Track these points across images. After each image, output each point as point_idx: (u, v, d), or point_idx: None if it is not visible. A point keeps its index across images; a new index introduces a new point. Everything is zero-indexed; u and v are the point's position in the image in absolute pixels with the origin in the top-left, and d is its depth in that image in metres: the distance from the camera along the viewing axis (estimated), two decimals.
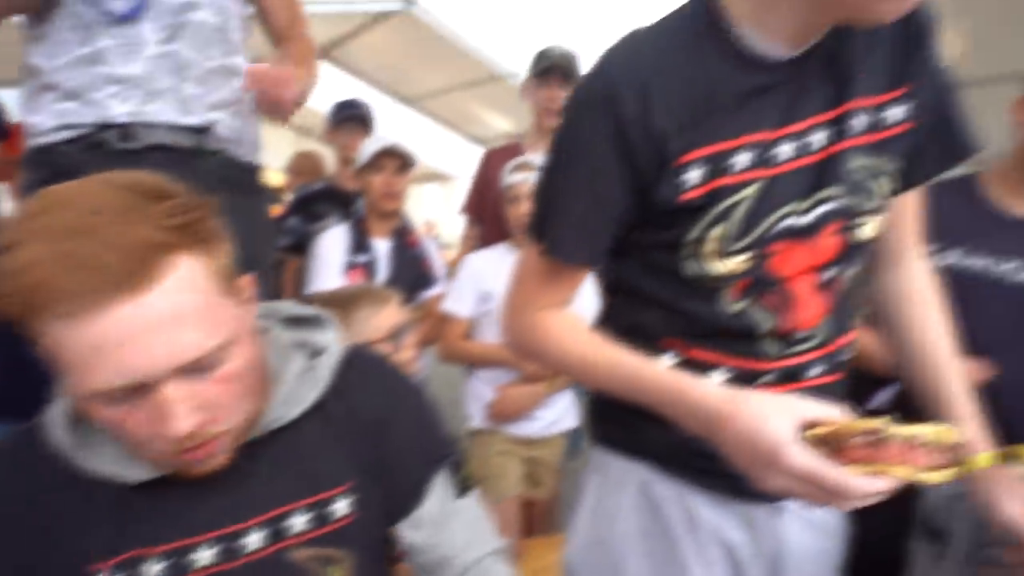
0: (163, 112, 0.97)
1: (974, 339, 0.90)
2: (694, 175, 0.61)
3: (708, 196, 0.62)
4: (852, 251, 0.66)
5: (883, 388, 1.08)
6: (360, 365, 0.70)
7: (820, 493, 0.51)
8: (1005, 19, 2.91)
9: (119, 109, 0.95)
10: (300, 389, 0.64)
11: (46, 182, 0.56)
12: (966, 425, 0.67)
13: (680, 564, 0.72)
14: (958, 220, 1.05)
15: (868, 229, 0.66)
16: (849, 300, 0.71)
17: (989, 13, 2.76)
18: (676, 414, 0.60)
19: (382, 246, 1.68)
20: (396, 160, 1.65)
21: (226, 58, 1.04)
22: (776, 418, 0.52)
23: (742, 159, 0.61)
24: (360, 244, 1.64)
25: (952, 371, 0.71)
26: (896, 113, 0.63)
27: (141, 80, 0.96)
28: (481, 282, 1.55)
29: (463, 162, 7.72)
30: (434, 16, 4.29)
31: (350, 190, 2.05)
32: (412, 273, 1.70)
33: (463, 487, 0.73)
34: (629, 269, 0.72)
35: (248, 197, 1.09)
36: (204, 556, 0.58)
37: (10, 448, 0.61)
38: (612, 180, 0.63)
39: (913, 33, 0.62)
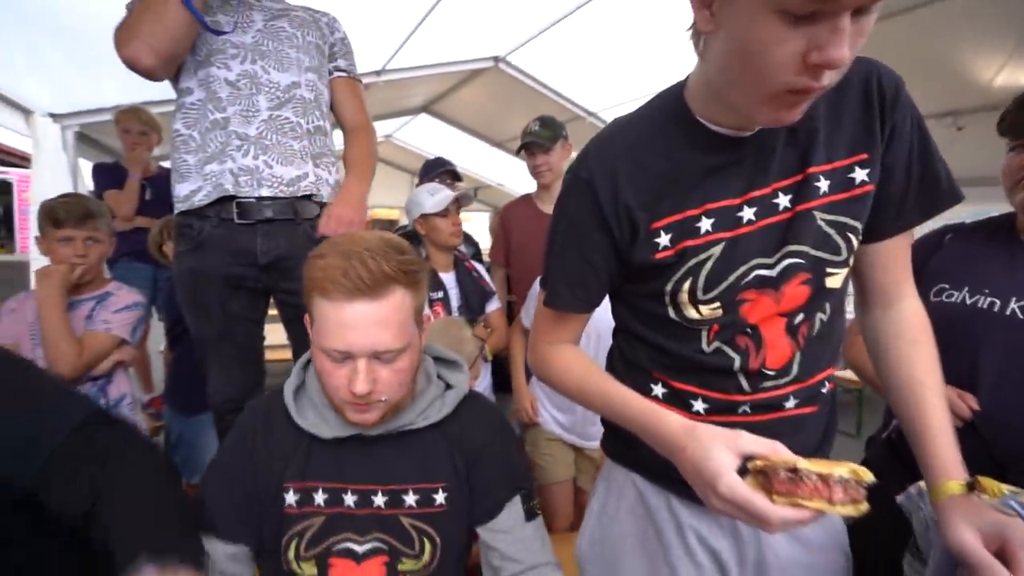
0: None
1: (974, 372, 1.00)
2: (664, 239, 0.72)
3: (677, 256, 0.72)
4: (820, 298, 0.73)
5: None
6: (475, 406, 0.97)
7: (747, 518, 0.57)
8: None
9: (240, 163, 1.27)
10: (431, 410, 0.92)
11: None
12: (941, 456, 0.70)
13: (670, 565, 0.80)
14: (980, 260, 1.09)
15: (836, 279, 0.72)
16: (827, 339, 0.76)
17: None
18: (648, 439, 0.70)
19: (448, 279, 1.91)
20: (456, 204, 1.95)
21: (320, 122, 1.38)
22: (718, 451, 0.59)
23: (705, 224, 0.71)
24: (435, 283, 1.87)
25: (933, 406, 0.73)
26: (859, 176, 0.70)
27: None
28: None
29: None
30: (519, 69, 5.19)
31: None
32: (477, 293, 1.95)
33: (531, 513, 0.94)
34: (625, 314, 0.84)
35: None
36: (348, 499, 0.87)
37: (263, 403, 0.95)
38: (595, 246, 0.76)
39: (877, 104, 0.69)
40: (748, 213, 0.71)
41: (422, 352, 0.92)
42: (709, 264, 0.72)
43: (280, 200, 1.31)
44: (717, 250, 0.72)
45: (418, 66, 4.61)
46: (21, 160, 6.03)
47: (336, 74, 1.47)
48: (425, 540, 0.88)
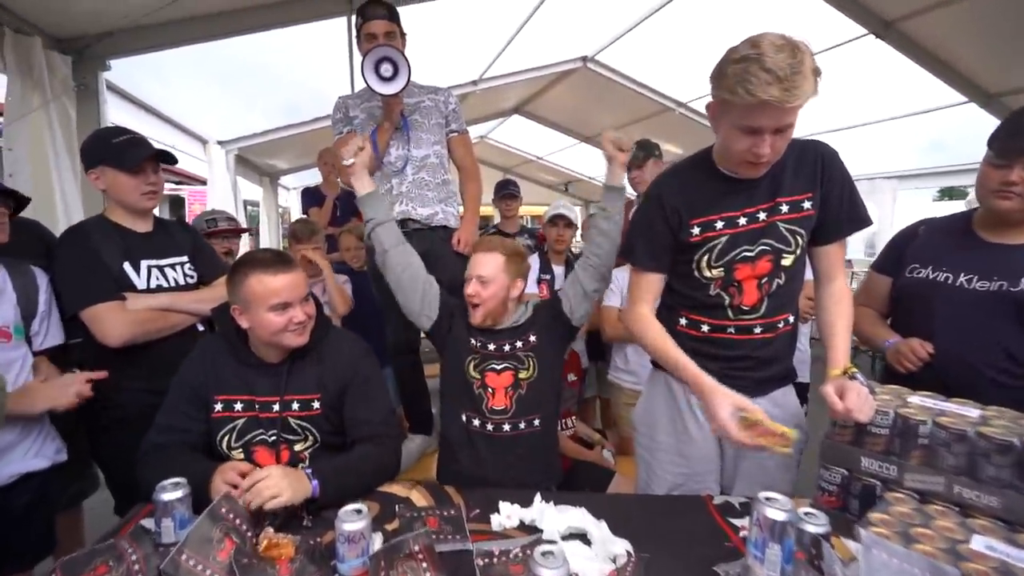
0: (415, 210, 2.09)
1: (931, 328, 1.42)
2: (695, 230, 1.27)
3: (702, 240, 1.26)
4: (778, 270, 1.25)
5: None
6: (540, 303, 1.67)
7: (729, 438, 1.10)
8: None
9: (398, 208, 2.08)
10: (518, 317, 1.60)
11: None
12: (833, 359, 1.21)
13: (682, 421, 1.41)
14: (942, 246, 1.48)
15: (788, 260, 1.25)
16: (783, 297, 1.28)
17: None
18: (689, 384, 1.24)
19: (558, 270, 2.73)
20: (564, 220, 2.71)
21: (444, 176, 2.16)
22: (724, 401, 1.12)
23: (719, 224, 1.25)
24: (545, 267, 2.73)
25: (837, 333, 1.25)
26: (806, 204, 1.23)
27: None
28: (625, 287, 2.31)
29: None
30: (606, 66, 5.36)
31: (509, 232, 3.29)
32: None
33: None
34: (671, 276, 1.37)
35: (447, 246, 2.16)
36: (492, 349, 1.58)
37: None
38: (659, 230, 1.31)
39: (819, 167, 1.22)
40: (742, 220, 1.24)
41: (511, 296, 1.59)
42: (718, 247, 1.26)
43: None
44: (723, 239, 1.25)
45: (511, 72, 4.99)
46: (189, 180, 7.29)
47: (451, 135, 2.20)
48: (532, 361, 1.56)
